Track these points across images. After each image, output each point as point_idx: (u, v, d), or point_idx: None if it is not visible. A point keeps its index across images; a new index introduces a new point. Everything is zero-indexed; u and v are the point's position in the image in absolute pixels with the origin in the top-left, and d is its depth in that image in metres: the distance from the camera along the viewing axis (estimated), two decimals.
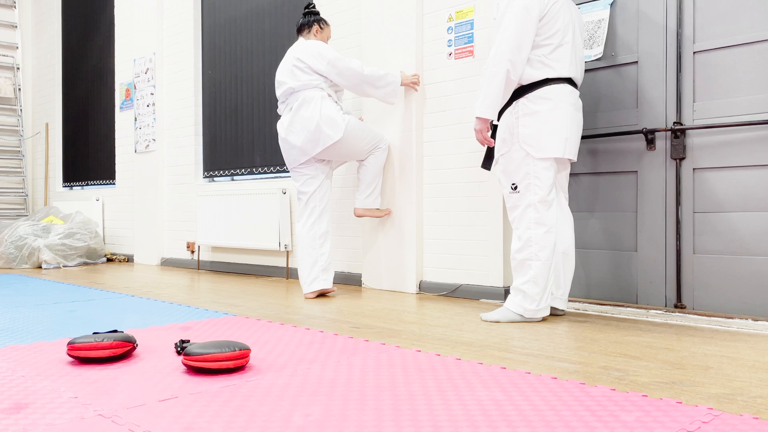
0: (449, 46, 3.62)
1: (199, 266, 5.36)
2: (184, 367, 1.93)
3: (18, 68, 7.70)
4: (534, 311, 2.68)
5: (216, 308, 3.17)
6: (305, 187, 3.56)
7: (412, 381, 1.76)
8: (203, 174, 5.48)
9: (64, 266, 5.62)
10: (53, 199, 7.39)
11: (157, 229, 5.79)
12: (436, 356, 2.06)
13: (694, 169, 2.90)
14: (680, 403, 1.55)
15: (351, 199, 4.15)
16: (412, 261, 3.72)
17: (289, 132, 3.51)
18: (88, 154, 6.98)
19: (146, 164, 5.90)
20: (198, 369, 1.87)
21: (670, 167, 2.96)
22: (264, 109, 4.88)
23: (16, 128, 7.60)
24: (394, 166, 3.81)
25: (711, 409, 1.51)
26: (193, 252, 5.45)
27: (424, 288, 3.71)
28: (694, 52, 2.90)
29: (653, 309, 2.95)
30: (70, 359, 2.05)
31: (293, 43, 4.44)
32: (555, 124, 2.66)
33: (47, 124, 7.51)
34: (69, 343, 1.99)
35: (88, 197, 6.81)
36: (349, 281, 4.15)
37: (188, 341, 2.13)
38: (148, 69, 5.89)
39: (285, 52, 4.60)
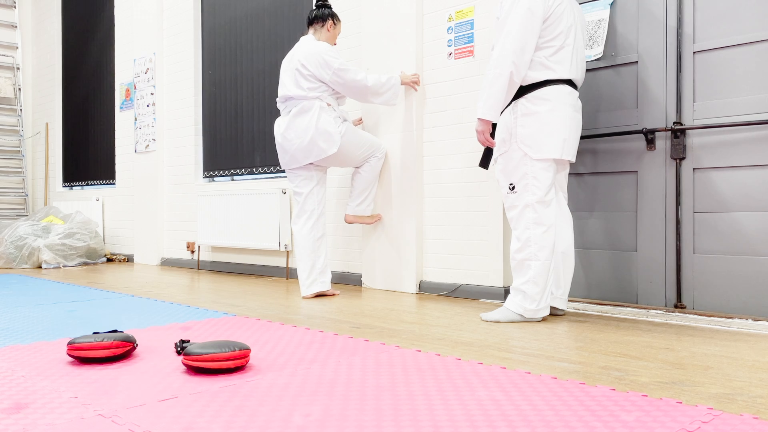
0: (449, 46, 3.62)
1: (199, 266, 5.36)
2: (184, 367, 1.93)
3: (18, 68, 7.70)
4: (534, 311, 2.68)
5: (216, 308, 3.17)
6: (300, 188, 3.56)
7: (412, 381, 1.76)
8: (203, 174, 5.48)
9: (64, 266, 5.62)
10: (53, 199, 7.39)
11: (157, 229, 5.79)
12: (436, 356, 2.06)
13: (694, 169, 2.90)
14: (680, 403, 1.55)
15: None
16: (411, 261, 3.72)
17: (284, 138, 3.50)
18: (88, 154, 6.98)
19: (146, 164, 5.91)
20: (198, 369, 1.87)
21: (670, 167, 2.96)
22: (264, 109, 4.88)
23: (16, 128, 7.60)
24: (394, 166, 3.80)
25: (711, 409, 1.51)
26: (193, 252, 5.45)
27: (424, 288, 3.71)
28: (694, 52, 2.90)
29: (653, 309, 2.95)
30: (70, 359, 2.05)
31: (293, 43, 4.44)
32: (553, 125, 2.66)
33: (47, 124, 7.51)
34: (69, 343, 1.99)
35: (88, 197, 6.81)
36: (348, 281, 4.15)
37: (188, 341, 2.13)
38: (148, 69, 5.89)
39: (285, 53, 4.60)
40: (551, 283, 2.73)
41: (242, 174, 5.10)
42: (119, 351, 2.02)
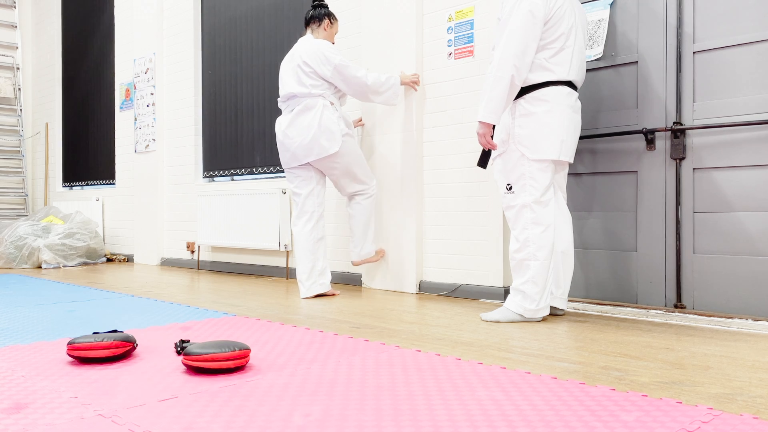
0: (449, 46, 3.62)
1: (199, 266, 5.36)
2: (184, 367, 1.93)
3: (18, 68, 7.70)
4: (534, 311, 2.68)
5: (216, 308, 3.17)
6: (299, 189, 3.56)
7: (412, 381, 1.76)
8: (203, 174, 5.48)
9: (64, 266, 5.62)
10: (53, 199, 7.39)
11: (157, 229, 5.79)
12: (436, 356, 2.06)
13: (694, 169, 2.90)
14: (680, 403, 1.55)
15: None
16: (412, 261, 3.72)
17: (286, 135, 3.50)
18: (88, 154, 6.98)
19: (146, 164, 5.90)
20: (198, 369, 1.87)
21: (669, 167, 2.97)
22: (264, 109, 4.88)
23: (16, 128, 7.60)
24: (395, 166, 3.80)
25: (711, 409, 1.51)
26: (193, 252, 5.45)
27: (424, 288, 3.71)
28: (694, 52, 2.90)
29: (653, 309, 2.95)
30: (70, 359, 2.05)
31: (293, 43, 4.44)
32: (551, 126, 2.66)
33: (47, 124, 7.51)
34: (69, 343, 1.99)
35: (88, 197, 6.81)
36: (349, 281, 4.15)
37: (188, 341, 2.13)
38: (148, 69, 5.89)
39: (285, 53, 4.60)
40: (551, 283, 2.73)
41: (242, 174, 5.10)
42: (119, 351, 2.02)
